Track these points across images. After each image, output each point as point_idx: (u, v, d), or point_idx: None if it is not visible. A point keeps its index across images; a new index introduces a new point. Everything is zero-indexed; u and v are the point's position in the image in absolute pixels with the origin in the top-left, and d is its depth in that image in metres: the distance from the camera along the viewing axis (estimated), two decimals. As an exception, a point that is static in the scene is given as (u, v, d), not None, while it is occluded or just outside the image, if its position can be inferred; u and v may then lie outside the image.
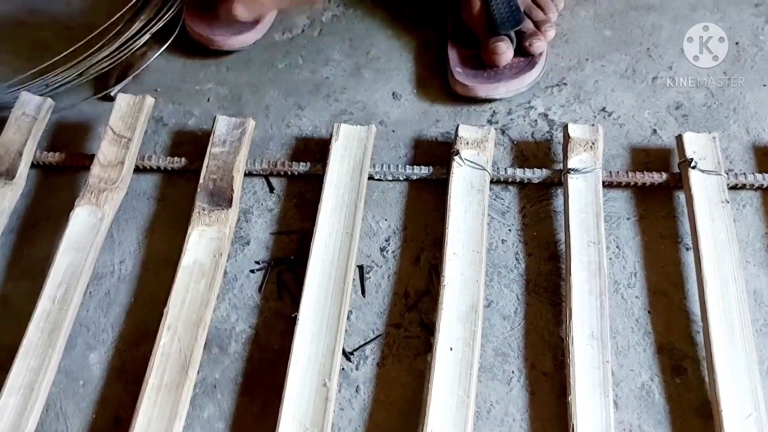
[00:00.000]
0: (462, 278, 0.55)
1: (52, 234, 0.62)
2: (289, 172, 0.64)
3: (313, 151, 0.67)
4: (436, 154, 0.66)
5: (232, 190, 0.61)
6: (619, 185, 0.62)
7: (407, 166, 0.63)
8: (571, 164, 0.60)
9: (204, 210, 0.59)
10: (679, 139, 0.63)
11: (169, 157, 0.65)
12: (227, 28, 0.73)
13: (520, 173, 0.62)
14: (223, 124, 0.65)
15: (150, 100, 0.66)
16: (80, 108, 0.70)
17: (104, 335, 0.57)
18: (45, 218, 0.63)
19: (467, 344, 0.52)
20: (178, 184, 0.65)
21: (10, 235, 0.62)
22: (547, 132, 0.67)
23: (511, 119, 0.68)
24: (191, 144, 0.69)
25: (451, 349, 0.52)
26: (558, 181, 0.62)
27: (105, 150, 0.63)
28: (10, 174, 0.60)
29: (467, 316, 0.53)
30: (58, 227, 0.62)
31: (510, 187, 0.63)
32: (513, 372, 0.54)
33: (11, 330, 0.57)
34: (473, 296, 0.54)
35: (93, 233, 0.58)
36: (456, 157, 0.61)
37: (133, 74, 0.72)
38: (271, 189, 0.65)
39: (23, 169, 0.61)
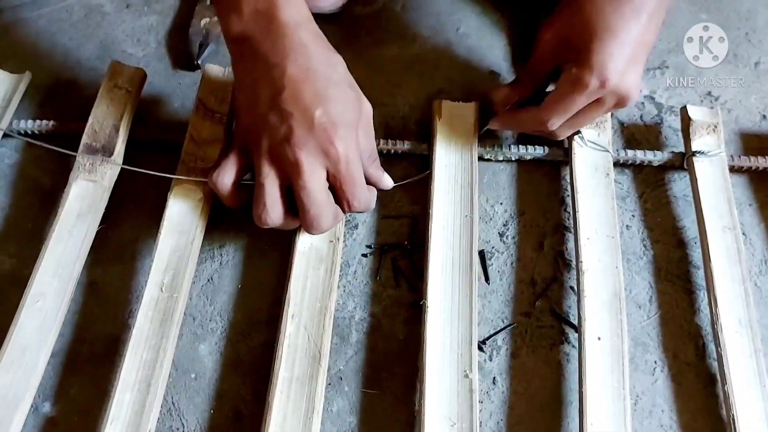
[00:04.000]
0: (600, 265, 0.52)
1: (137, 215, 0.57)
2: (392, 151, 0.61)
3: (413, 131, 0.64)
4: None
5: (340, 170, 0.57)
6: (739, 170, 0.60)
7: (519, 146, 0.60)
8: (695, 147, 0.58)
9: (314, 191, 0.55)
10: (796, 124, 0.61)
11: (263, 135, 0.61)
12: None
13: (641, 155, 0.59)
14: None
15: (243, 73, 0.61)
16: (151, 80, 0.65)
17: (212, 324, 0.53)
18: (129, 199, 0.58)
19: (615, 334, 0.49)
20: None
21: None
22: (656, 115, 0.65)
23: (617, 101, 0.66)
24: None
25: (599, 338, 0.49)
26: (679, 164, 0.60)
27: (198, 126, 0.57)
28: (107, 150, 0.54)
29: (611, 304, 0.51)
30: (143, 207, 0.57)
31: (626, 171, 0.61)
32: (655, 362, 0.51)
33: (106, 319, 0.52)
34: (615, 283, 0.51)
35: (195, 215, 0.54)
36: (577, 138, 0.58)
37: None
38: (373, 170, 0.61)
39: (120, 147, 0.55)
